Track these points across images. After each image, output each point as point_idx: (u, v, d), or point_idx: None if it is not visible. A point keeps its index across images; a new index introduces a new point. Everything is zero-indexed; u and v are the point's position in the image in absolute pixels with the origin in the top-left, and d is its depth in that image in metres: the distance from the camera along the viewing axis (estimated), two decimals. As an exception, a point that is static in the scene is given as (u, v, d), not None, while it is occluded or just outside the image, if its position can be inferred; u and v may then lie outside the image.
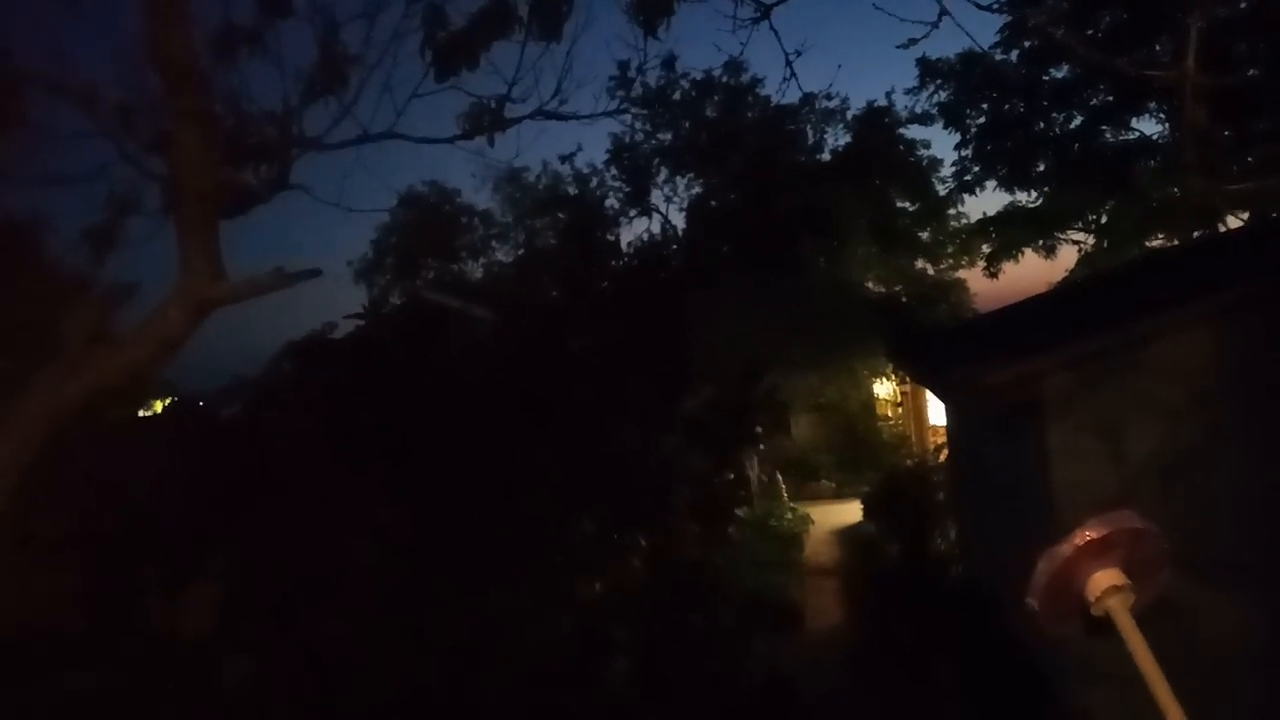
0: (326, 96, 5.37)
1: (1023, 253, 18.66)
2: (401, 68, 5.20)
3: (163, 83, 3.83)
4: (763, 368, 12.47)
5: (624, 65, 15.35)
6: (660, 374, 11.02)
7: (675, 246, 15.78)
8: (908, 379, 18.90)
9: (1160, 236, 17.07)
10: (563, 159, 17.21)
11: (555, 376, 10.50)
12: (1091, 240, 18.20)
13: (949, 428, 12.86)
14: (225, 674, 7.48)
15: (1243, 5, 14.33)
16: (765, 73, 18.26)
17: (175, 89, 3.81)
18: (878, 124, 17.76)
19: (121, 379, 3.93)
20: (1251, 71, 14.83)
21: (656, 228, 16.97)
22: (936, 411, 16.92)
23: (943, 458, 14.40)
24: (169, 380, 11.06)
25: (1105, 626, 1.77)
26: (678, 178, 17.18)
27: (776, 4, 5.40)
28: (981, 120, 18.12)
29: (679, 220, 17.19)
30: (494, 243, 19.32)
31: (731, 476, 12.08)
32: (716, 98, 16.73)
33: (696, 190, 17.37)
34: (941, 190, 18.68)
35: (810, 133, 17.45)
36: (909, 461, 17.33)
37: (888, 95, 18.17)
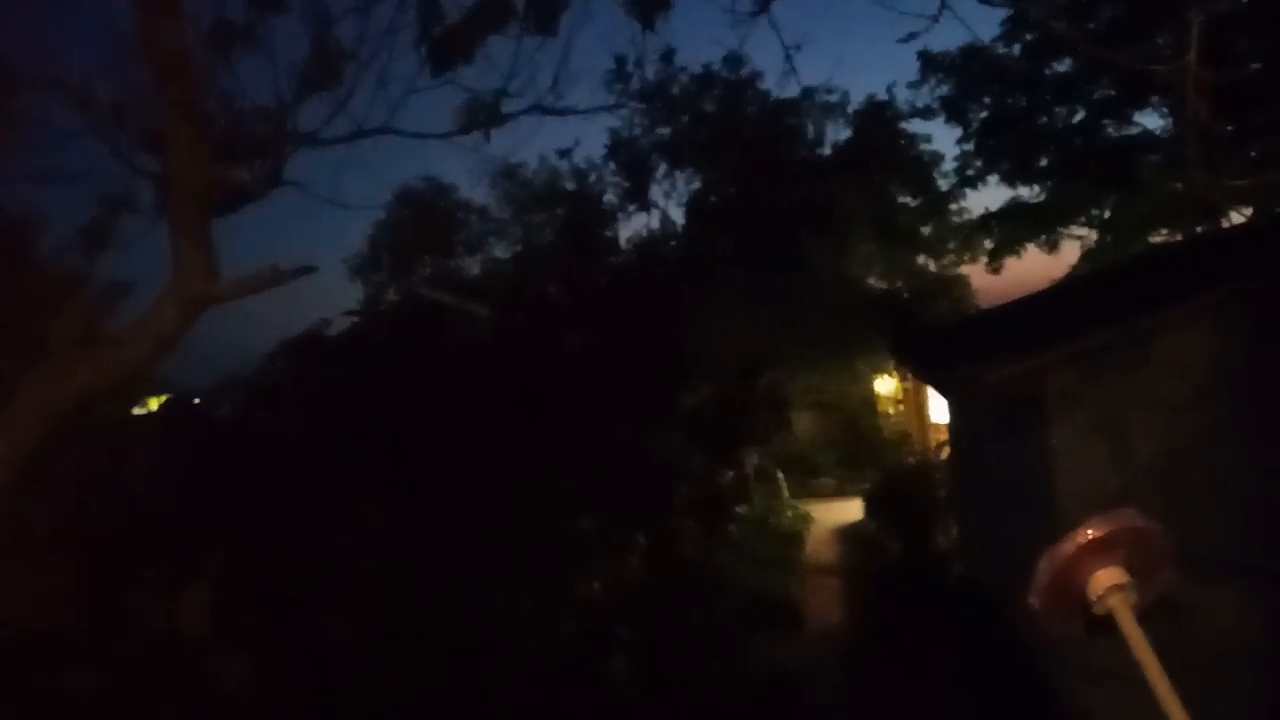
0: (320, 92, 5.33)
1: (1025, 248, 18.62)
2: (397, 63, 5.15)
3: (156, 78, 3.77)
4: (763, 365, 12.50)
5: (621, 60, 15.31)
6: (659, 371, 11.00)
7: (674, 242, 15.71)
8: (909, 376, 18.84)
9: (1164, 232, 17.00)
10: (560, 154, 17.16)
11: (553, 374, 10.48)
12: (1094, 235, 18.13)
13: (951, 425, 12.79)
14: (223, 674, 7.45)
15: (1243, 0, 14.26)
16: (765, 67, 18.19)
17: (168, 84, 3.76)
18: (879, 118, 17.68)
19: (117, 377, 3.90)
20: (1253, 66, 14.77)
21: (655, 223, 16.91)
22: (938, 409, 16.87)
23: (944, 455, 14.34)
24: (164, 377, 11.01)
25: (1107, 625, 1.75)
26: (677, 173, 17.12)
27: (775, -2, 5.34)
28: (983, 115, 18.04)
29: (678, 216, 17.12)
30: (491, 239, 19.25)
31: (731, 474, 12.11)
32: (715, 92, 16.65)
33: (695, 185, 17.30)
34: (943, 185, 18.60)
35: (810, 127, 17.39)
36: (910, 459, 17.25)
37: (889, 89, 18.12)
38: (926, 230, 19.05)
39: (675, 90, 16.19)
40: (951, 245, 19.31)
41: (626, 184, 16.71)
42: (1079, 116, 17.24)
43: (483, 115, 5.50)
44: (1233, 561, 6.57)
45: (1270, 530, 6.79)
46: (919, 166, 18.33)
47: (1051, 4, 16.29)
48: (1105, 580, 1.70)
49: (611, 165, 16.78)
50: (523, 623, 9.13)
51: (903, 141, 18.08)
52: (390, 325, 14.32)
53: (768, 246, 15.08)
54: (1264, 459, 6.85)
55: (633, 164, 16.70)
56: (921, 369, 12.53)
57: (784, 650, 10.65)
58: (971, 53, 17.53)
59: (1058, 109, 17.48)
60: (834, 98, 17.30)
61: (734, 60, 16.00)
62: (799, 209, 15.65)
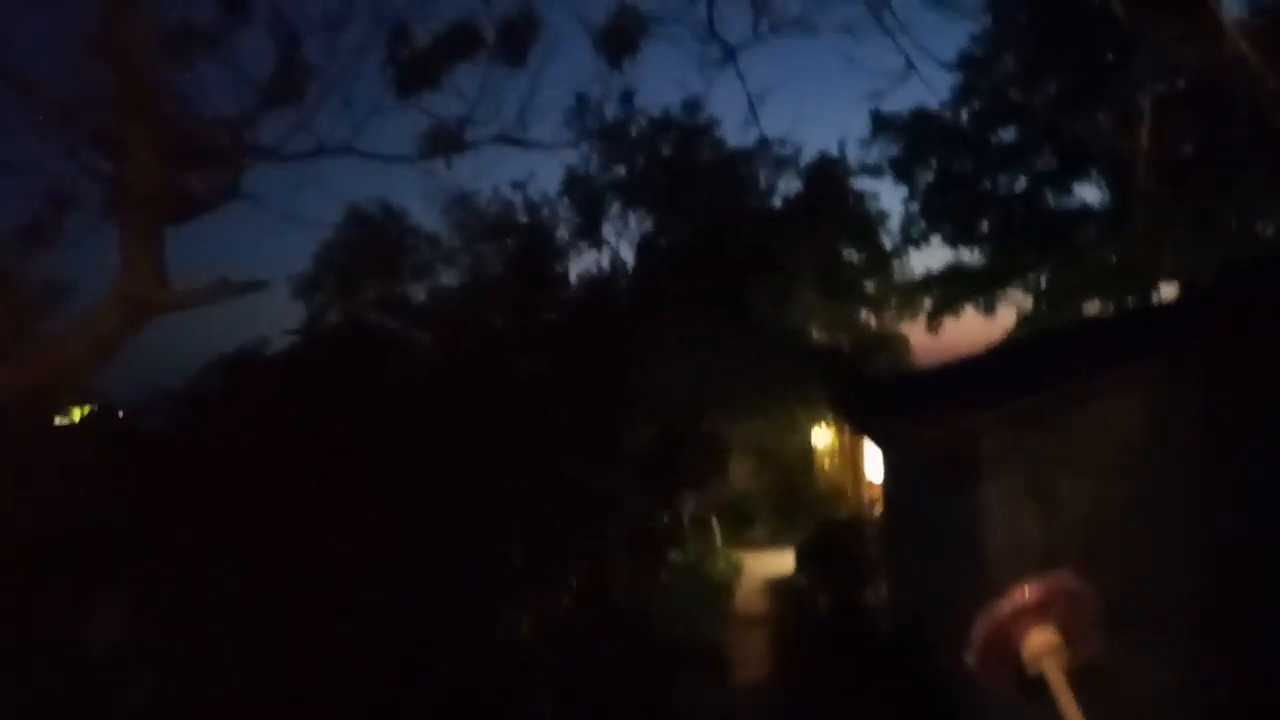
0: (283, 106, 5.26)
1: (963, 309, 19.04)
2: (362, 83, 5.11)
3: (114, 77, 3.69)
4: (705, 408, 12.55)
5: (583, 97, 15.45)
6: (603, 406, 11.00)
7: (624, 282, 15.77)
8: (846, 429, 19.01)
9: (1096, 300, 17.53)
10: (515, 185, 17.16)
11: (498, 402, 10.40)
12: (1030, 301, 18.63)
13: (885, 479, 12.92)
14: (132, 688, 7.21)
15: (1180, 85, 14.90)
16: (724, 114, 18.53)
17: (126, 84, 3.68)
18: (829, 174, 18.03)
19: (51, 376, 3.76)
20: (1186, 147, 15.41)
21: (606, 261, 16.97)
22: (874, 465, 17.04)
23: (877, 511, 14.47)
24: (87, 388, 10.66)
25: (1039, 685, 1.78)
26: (630, 212, 17.23)
27: (742, 48, 5.44)
28: (930, 176, 18.51)
29: (629, 255, 17.22)
30: (439, 265, 19.08)
31: (667, 517, 12.07)
32: (672, 135, 16.84)
33: (647, 226, 17.43)
34: (888, 243, 18.98)
35: (763, 178, 17.67)
36: (844, 513, 17.36)
37: (840, 146, 18.48)
38: (869, 286, 19.38)
39: (633, 131, 16.36)
40: (893, 302, 19.65)
41: (579, 220, 16.78)
42: (1021, 184, 17.78)
43: (445, 141, 5.47)
44: (1155, 618, 6.69)
45: (1189, 587, 6.96)
46: (865, 223, 18.70)
47: (1004, 74, 16.94)
48: (1038, 641, 1.74)
49: (566, 200, 16.86)
50: (448, 655, 8.96)
51: (851, 198, 18.44)
52: (332, 347, 14.10)
53: (716, 291, 15.21)
54: (1186, 521, 7.04)
55: (587, 201, 16.78)
56: (859, 422, 12.69)
57: (713, 699, 10.58)
58: (922, 116, 18.02)
59: (1001, 176, 18.00)
60: (787, 150, 17.65)
61: (692, 106, 16.27)
62: (748, 256, 15.83)
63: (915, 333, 20.02)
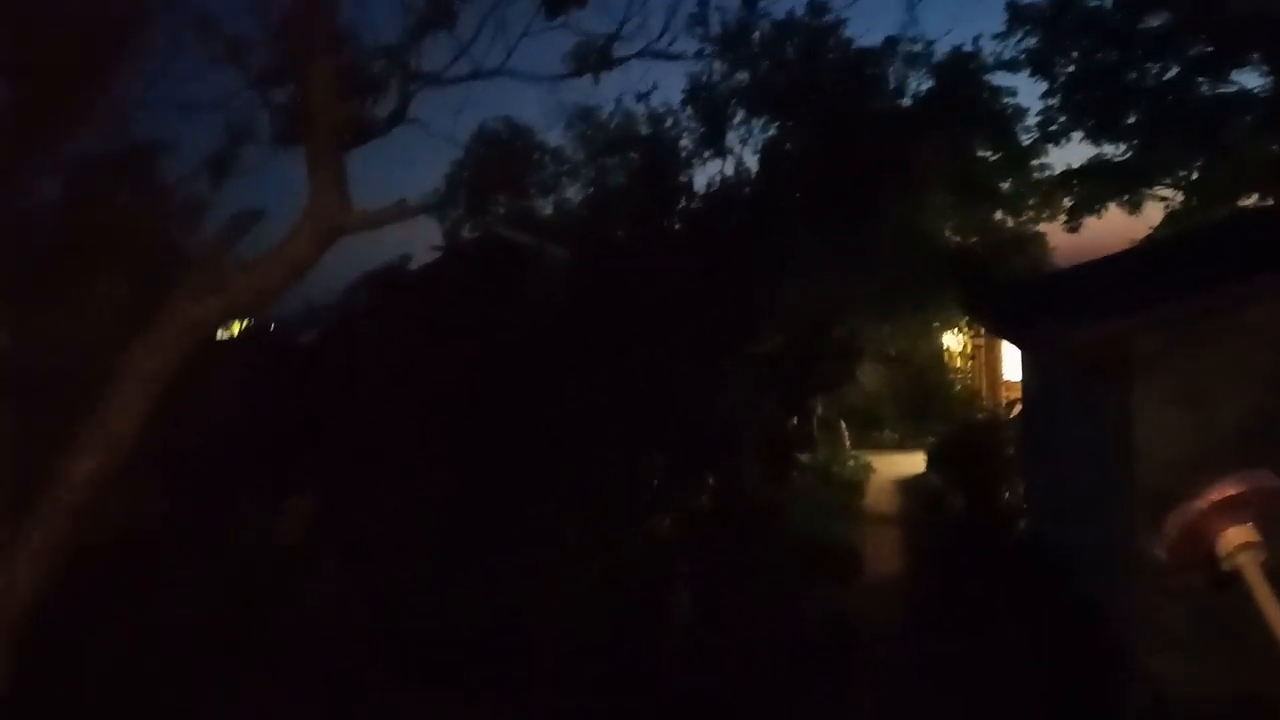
0: (436, 30, 5.45)
1: (1106, 208, 18.21)
2: (515, 6, 5.25)
3: (301, 12, 3.93)
4: (835, 316, 12.53)
5: (704, 2, 15.14)
6: (733, 316, 11.10)
7: (749, 190, 15.65)
8: (983, 332, 18.64)
9: (1253, 196, 16.50)
10: (638, 97, 17.06)
11: (629, 315, 10.63)
12: (1180, 197, 17.65)
13: (1025, 383, 12.71)
14: (311, 590, 7.85)
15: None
16: (849, 14, 17.90)
17: (311, 18, 3.92)
18: (962, 70, 17.27)
19: (253, 299, 4.12)
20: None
21: (730, 170, 16.79)
22: (1012, 366, 16.71)
23: (1015, 413, 14.27)
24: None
25: (1229, 581, 1.75)
26: (754, 120, 16.94)
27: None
28: (1070, 69, 17.55)
29: (754, 164, 17.00)
30: (565, 180, 19.30)
31: (796, 422, 12.23)
32: (796, 39, 16.40)
33: (772, 132, 17.12)
34: (1025, 140, 18.19)
35: (892, 77, 17.07)
36: (979, 415, 17.18)
37: (974, 40, 17.65)
38: (1005, 186, 18.67)
39: (756, 35, 16.00)
40: (1030, 202, 18.92)
41: (703, 129, 16.61)
42: (1172, 73, 16.68)
43: (595, 59, 5.58)
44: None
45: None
46: (1001, 120, 17.91)
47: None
48: (1235, 538, 1.71)
49: (688, 110, 16.68)
50: (594, 553, 9.43)
51: (986, 94, 17.65)
52: (468, 264, 14.59)
53: (843, 196, 14.95)
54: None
55: (711, 109, 16.57)
56: (1000, 325, 12.45)
57: (843, 598, 10.82)
58: (1062, 4, 17.03)
59: (1149, 65, 16.92)
60: (917, 47, 16.97)
61: (818, 7, 15.77)
62: (876, 160, 15.45)
63: (1054, 232, 19.35)
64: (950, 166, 16.79)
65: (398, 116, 4.97)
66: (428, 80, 5.05)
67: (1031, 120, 18.23)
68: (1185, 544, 1.77)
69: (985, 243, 18.35)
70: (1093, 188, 18.25)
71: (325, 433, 9.26)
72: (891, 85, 17.06)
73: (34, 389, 5.07)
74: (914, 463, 16.54)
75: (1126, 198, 18.11)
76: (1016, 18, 17.15)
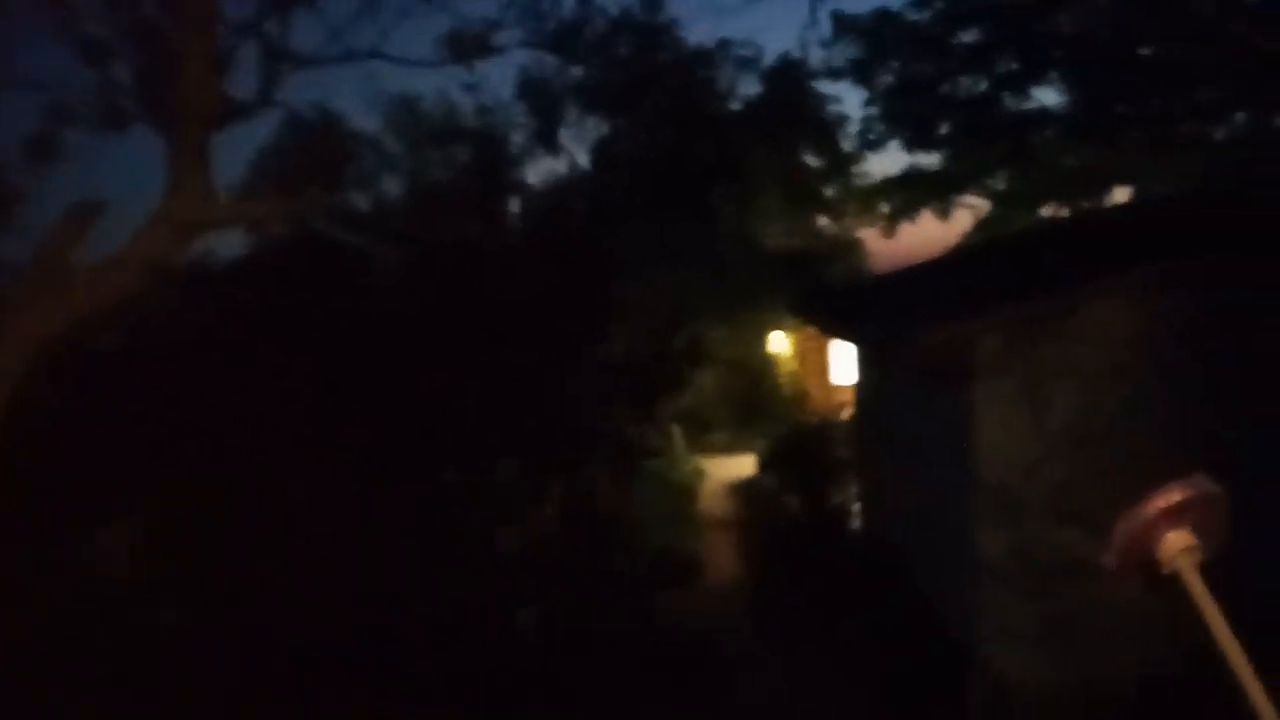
0: (301, 6, 4.85)
1: (920, 214, 19.06)
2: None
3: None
4: (678, 319, 12.42)
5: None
6: (578, 318, 10.76)
7: (586, 189, 15.37)
8: (813, 334, 19.11)
9: (1053, 204, 17.66)
10: (466, 88, 16.47)
11: (468, 316, 10.10)
12: (987, 205, 18.69)
13: (858, 385, 12.99)
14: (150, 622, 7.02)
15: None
16: (681, 14, 18.01)
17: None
18: (790, 76, 17.66)
19: (110, 302, 3.51)
20: (1146, 50, 15.38)
21: (565, 168, 16.47)
22: (841, 369, 17.18)
23: (846, 414, 14.61)
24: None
25: (1166, 583, 1.86)
26: (588, 118, 16.70)
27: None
28: (890, 79, 18.24)
29: (587, 162, 16.74)
30: (390, 172, 18.36)
31: (641, 429, 12.02)
32: (630, 35, 16.25)
33: (604, 131, 16.93)
34: (847, 147, 18.81)
35: (724, 80, 17.24)
36: (811, 417, 17.57)
37: (802, 47, 18.12)
38: (830, 191, 19.28)
39: (589, 32, 15.72)
40: (852, 207, 19.62)
41: (536, 125, 16.21)
42: (982, 87, 17.61)
43: (472, 45, 5.14)
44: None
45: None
46: (825, 127, 18.46)
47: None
48: (1177, 543, 1.79)
49: (521, 105, 16.25)
50: (440, 573, 8.87)
51: (812, 101, 18.14)
52: (284, 259, 13.53)
53: (676, 198, 14.91)
54: (1174, 425, 7.19)
55: (544, 105, 16.19)
56: (835, 327, 12.64)
57: (689, 604, 10.72)
58: (884, 16, 17.66)
59: (962, 78, 17.80)
60: (748, 52, 17.22)
61: (651, 5, 15.68)
62: (707, 162, 15.52)
63: (871, 238, 20.11)
64: (778, 171, 17.11)
65: (263, 99, 4.37)
66: (297, 61, 4.46)
67: (853, 128, 18.90)
68: (1132, 551, 1.83)
69: (810, 246, 18.86)
70: (908, 195, 19.07)
71: (140, 448, 8.31)
72: (723, 89, 17.20)
73: None
74: (744, 465, 16.73)
75: (939, 205, 19.02)
76: (841, 27, 17.66)
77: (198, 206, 3.41)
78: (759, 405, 18.96)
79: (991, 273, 10.74)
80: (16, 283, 3.43)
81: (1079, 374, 7.46)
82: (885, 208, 19.49)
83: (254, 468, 8.28)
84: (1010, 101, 17.39)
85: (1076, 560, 7.18)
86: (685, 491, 15.33)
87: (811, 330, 18.81)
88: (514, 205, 14.06)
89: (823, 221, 19.75)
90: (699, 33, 24.63)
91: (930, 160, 18.58)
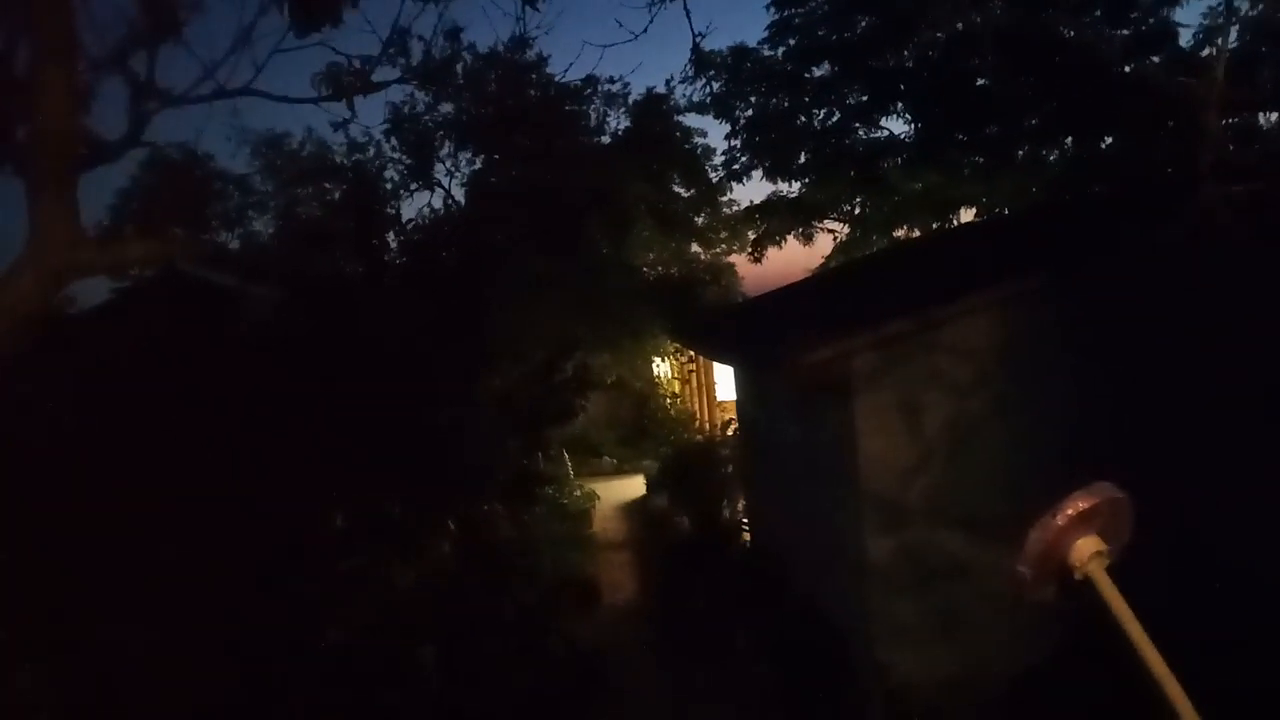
0: (162, 40, 4.83)
1: (785, 239, 19.94)
2: (263, 21, 4.76)
3: (30, 17, 3.30)
4: (563, 348, 12.57)
5: (404, 32, 14.73)
6: (463, 352, 10.79)
7: (461, 223, 15.41)
8: (696, 357, 19.65)
9: (905, 227, 18.75)
10: (335, 126, 16.31)
11: (354, 355, 9.99)
12: (846, 229, 19.71)
13: (739, 403, 13.45)
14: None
15: (977, 20, 15.99)
16: (550, 51, 18.35)
17: (45, 24, 3.30)
18: (656, 110, 18.22)
19: None
20: (982, 82, 16.58)
21: (439, 203, 16.49)
22: (725, 388, 17.74)
23: (731, 432, 15.06)
24: None
25: (1079, 588, 1.93)
26: (461, 153, 16.78)
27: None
28: (749, 113, 19.10)
29: (462, 196, 16.81)
30: (252, 212, 17.91)
31: (533, 457, 12.09)
32: (499, 72, 16.44)
33: (477, 166, 17.05)
34: (714, 177, 19.53)
35: (593, 115, 17.63)
36: (696, 436, 18.04)
37: (667, 83, 18.73)
38: (700, 220, 19.99)
39: (460, 68, 15.83)
40: (722, 235, 20.40)
41: (410, 161, 16.18)
42: (834, 119, 18.61)
43: (351, 82, 5.20)
44: (1005, 521, 7.42)
45: (1035, 493, 7.75)
46: (692, 159, 19.12)
47: (816, 12, 17.56)
48: (1086, 548, 1.87)
49: (393, 141, 16.19)
50: (332, 617, 8.71)
51: (678, 134, 18.77)
52: (149, 302, 13.04)
53: (555, 229, 15.15)
54: (1040, 427, 7.80)
55: (417, 141, 16.19)
56: (714, 350, 13.08)
57: (585, 630, 10.83)
58: (740, 53, 18.49)
59: (815, 110, 18.78)
60: (615, 87, 17.67)
61: (520, 42, 15.90)
62: (582, 194, 15.82)
63: (741, 263, 20.89)
64: (650, 201, 17.59)
65: (132, 139, 4.32)
66: (166, 99, 4.43)
67: (719, 159, 19.64)
68: (1046, 558, 1.91)
69: (684, 273, 19.42)
70: (772, 222, 19.95)
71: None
72: (593, 123, 17.59)
73: None
74: (634, 486, 17.02)
75: (801, 230, 19.97)
76: (701, 64, 18.37)
77: (63, 253, 3.37)
78: (646, 427, 19.37)
79: (862, 293, 11.35)
80: None
81: (948, 385, 7.98)
82: (752, 234, 20.36)
83: (118, 524, 7.95)
84: (861, 131, 18.42)
85: (957, 560, 7.72)
86: (579, 516, 15.49)
87: (692, 353, 19.37)
88: (391, 240, 13.97)
89: (695, 248, 20.39)
90: (576, 70, 25.08)
91: (791, 188, 19.50)
